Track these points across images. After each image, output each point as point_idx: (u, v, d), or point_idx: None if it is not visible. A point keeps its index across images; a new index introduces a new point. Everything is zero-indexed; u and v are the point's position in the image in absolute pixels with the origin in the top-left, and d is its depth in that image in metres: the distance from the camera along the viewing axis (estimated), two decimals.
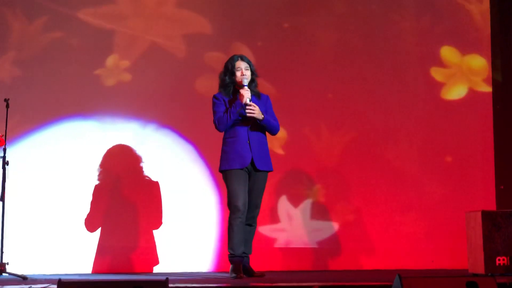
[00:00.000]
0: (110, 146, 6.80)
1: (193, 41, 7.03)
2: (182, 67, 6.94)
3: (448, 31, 7.23)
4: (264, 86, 6.22)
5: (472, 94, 7.21)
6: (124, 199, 6.74)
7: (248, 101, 5.21)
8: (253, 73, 5.41)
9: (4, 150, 5.76)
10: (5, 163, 5.74)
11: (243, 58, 5.41)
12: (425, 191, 7.02)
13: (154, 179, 6.78)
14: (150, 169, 6.83)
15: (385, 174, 7.03)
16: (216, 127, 5.38)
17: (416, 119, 7.14)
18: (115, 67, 6.92)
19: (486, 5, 7.20)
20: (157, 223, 6.70)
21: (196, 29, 7.06)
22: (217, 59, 6.73)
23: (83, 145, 6.76)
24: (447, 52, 7.19)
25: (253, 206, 5.39)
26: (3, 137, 5.63)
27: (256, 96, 5.41)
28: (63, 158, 6.72)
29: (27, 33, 6.82)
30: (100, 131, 6.80)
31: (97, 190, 6.72)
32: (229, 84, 5.35)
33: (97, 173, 6.75)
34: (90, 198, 6.70)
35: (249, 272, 5.41)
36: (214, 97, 5.40)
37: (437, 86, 7.25)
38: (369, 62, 7.13)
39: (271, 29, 7.10)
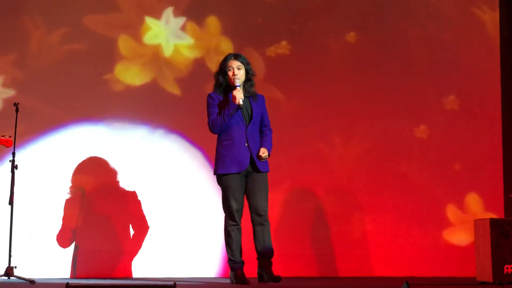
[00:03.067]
0: (119, 150, 6.78)
1: (202, 47, 7.04)
2: (191, 72, 6.93)
3: (457, 39, 7.22)
4: (274, 94, 6.34)
5: (481, 101, 7.19)
6: (130, 204, 6.75)
7: (241, 102, 5.12)
8: (248, 73, 5.31)
9: (13, 154, 5.77)
10: (14, 167, 5.74)
11: (236, 57, 5.32)
12: (433, 199, 7.00)
13: (162, 184, 6.76)
14: (158, 174, 6.79)
15: (394, 182, 7.02)
16: (210, 129, 5.30)
17: (425, 126, 7.13)
18: (123, 73, 6.93)
19: (497, 13, 7.21)
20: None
21: (205, 34, 7.06)
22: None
23: (92, 149, 6.76)
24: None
25: (258, 208, 5.29)
26: (11, 138, 5.63)
27: (252, 97, 5.33)
28: (72, 163, 6.71)
29: (44, 42, 6.86)
30: (109, 136, 6.80)
31: (102, 195, 6.74)
32: (222, 84, 5.29)
33: (104, 177, 6.76)
34: (96, 202, 6.72)
35: (269, 277, 5.28)
36: (209, 96, 5.33)
37: (446, 93, 7.25)
38: (380, 70, 7.11)
39: (281, 36, 7.08)
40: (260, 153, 5.23)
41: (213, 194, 6.62)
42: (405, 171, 7.01)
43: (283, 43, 7.02)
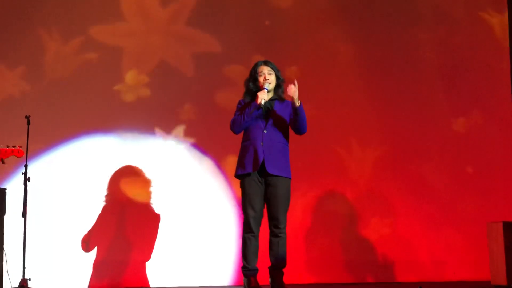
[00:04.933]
0: (130, 161, 6.74)
1: (211, 57, 7.00)
2: (201, 81, 6.89)
3: (467, 42, 7.24)
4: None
5: (492, 103, 7.21)
6: (141, 214, 6.73)
7: (263, 102, 5.04)
8: (278, 78, 5.24)
9: (25, 166, 5.74)
10: (27, 179, 5.71)
11: (266, 63, 5.24)
12: (446, 203, 7.02)
13: (174, 192, 6.71)
14: (170, 183, 6.75)
15: (411, 185, 6.98)
16: (231, 129, 5.21)
17: (438, 130, 7.14)
18: (134, 83, 6.88)
19: (504, 16, 7.26)
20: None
21: (214, 48, 7.06)
22: (237, 72, 6.75)
23: (103, 160, 6.70)
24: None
25: (275, 219, 5.13)
26: (22, 149, 5.60)
27: (280, 100, 5.22)
28: (84, 174, 6.65)
29: (53, 53, 6.82)
30: (120, 147, 6.75)
31: (114, 205, 6.67)
32: (252, 90, 5.21)
33: (117, 188, 6.70)
34: (106, 212, 6.67)
35: (278, 287, 5.22)
36: (238, 102, 5.28)
37: (457, 96, 7.25)
38: (390, 74, 7.10)
39: (289, 42, 7.05)
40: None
41: (226, 202, 6.69)
42: (421, 174, 6.98)
43: (292, 48, 7.03)
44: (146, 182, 6.73)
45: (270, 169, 5.05)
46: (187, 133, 6.85)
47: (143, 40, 6.91)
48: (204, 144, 6.82)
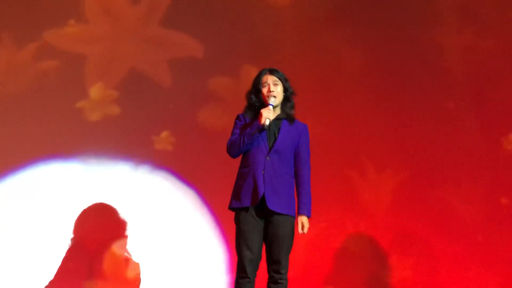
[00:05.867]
0: (96, 193, 6.42)
1: (193, 64, 6.71)
2: (182, 96, 6.60)
3: (498, 48, 6.85)
4: None
5: None
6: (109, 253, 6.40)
7: (267, 123, 4.66)
8: (286, 90, 4.86)
9: None
10: None
11: (272, 72, 4.88)
12: (477, 239, 6.60)
13: (151, 233, 6.40)
14: (144, 218, 6.43)
15: (432, 219, 6.62)
16: (228, 152, 4.85)
17: (466, 151, 6.73)
18: (101, 99, 6.60)
19: None
20: None
21: (196, 53, 6.75)
22: (224, 85, 6.53)
23: (63, 192, 6.40)
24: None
25: (275, 263, 4.78)
26: None
27: (289, 121, 4.86)
28: (39, 211, 6.35)
29: (11, 62, 6.59)
30: (84, 175, 6.47)
31: (76, 252, 6.31)
32: (254, 104, 4.86)
33: (78, 225, 6.35)
34: (70, 261, 6.30)
35: None
36: (237, 117, 4.92)
37: (489, 109, 6.80)
38: (408, 85, 6.77)
39: (288, 48, 6.76)
40: (299, 230, 4.82)
41: (213, 241, 6.43)
42: (449, 204, 6.65)
43: (290, 56, 6.71)
44: (117, 220, 6.44)
45: (271, 205, 4.72)
46: (164, 158, 6.55)
47: (110, 45, 6.65)
48: (184, 171, 6.51)
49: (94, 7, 6.63)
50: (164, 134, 6.51)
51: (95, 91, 6.56)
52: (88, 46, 6.59)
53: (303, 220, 4.79)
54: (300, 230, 4.78)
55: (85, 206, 6.35)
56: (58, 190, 6.37)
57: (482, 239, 6.57)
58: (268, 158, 4.76)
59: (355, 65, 6.78)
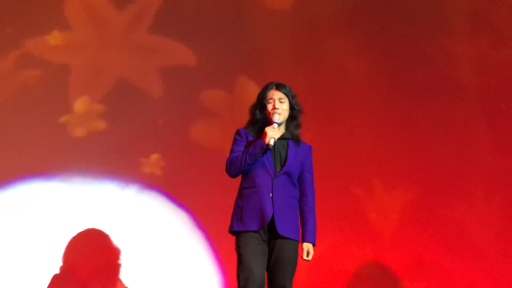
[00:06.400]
0: (80, 214, 6.23)
1: (183, 75, 6.61)
2: (172, 110, 6.52)
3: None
4: None
5: None
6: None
7: (272, 143, 4.57)
8: (293, 108, 4.77)
9: None
10: None
11: (279, 87, 4.79)
12: (493, 264, 6.48)
13: (137, 254, 6.20)
14: (133, 242, 6.26)
15: (445, 241, 6.52)
16: (227, 171, 4.74)
17: (480, 168, 6.62)
18: (86, 113, 6.49)
19: None
20: None
21: (188, 61, 6.65)
22: (217, 98, 6.43)
23: (45, 214, 6.22)
24: None
25: (279, 285, 4.68)
26: None
27: (294, 141, 4.79)
28: (20, 233, 6.18)
29: None
30: (67, 195, 6.31)
31: (65, 276, 6.14)
32: (259, 120, 4.76)
33: (65, 252, 6.14)
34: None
35: None
36: (237, 132, 4.82)
37: (507, 126, 6.78)
38: (416, 99, 6.69)
39: (287, 57, 6.70)
40: (304, 256, 4.76)
41: (206, 266, 6.27)
42: (463, 226, 6.55)
43: (289, 67, 6.66)
44: (103, 245, 6.27)
45: (282, 230, 4.64)
46: (154, 178, 6.44)
47: (95, 54, 6.55)
48: (175, 192, 6.39)
49: (78, 14, 6.59)
50: (154, 152, 6.39)
51: (79, 104, 6.48)
52: (72, 55, 6.51)
53: (309, 247, 4.73)
54: (305, 257, 4.73)
55: (70, 230, 6.20)
56: (40, 212, 6.22)
57: (497, 261, 6.52)
58: (275, 179, 4.67)
59: (360, 76, 6.78)
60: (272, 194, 4.64)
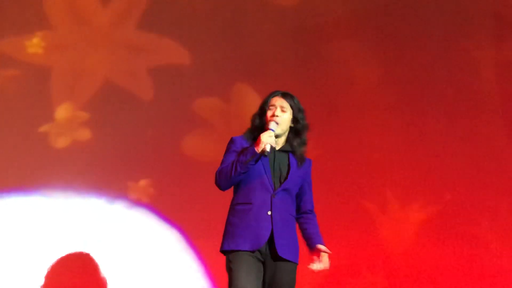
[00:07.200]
0: (62, 231, 6.05)
1: (177, 82, 6.41)
2: (163, 120, 6.34)
3: None
4: None
5: None
6: None
7: (268, 149, 4.31)
8: (297, 121, 4.53)
9: None
10: None
11: (285, 96, 4.56)
12: None
13: (126, 275, 6.04)
14: (120, 264, 6.08)
15: (465, 262, 6.30)
16: (216, 182, 4.50)
17: (499, 184, 6.38)
18: (68, 121, 6.30)
19: None
20: None
21: (182, 60, 6.44)
22: (212, 107, 6.30)
23: (26, 231, 6.06)
24: None
25: None
26: None
27: (297, 160, 4.58)
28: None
29: None
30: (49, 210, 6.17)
31: None
32: (257, 127, 4.54)
33: (46, 274, 5.93)
34: None
35: None
36: (230, 140, 4.59)
37: None
38: (434, 107, 6.48)
39: (290, 61, 6.52)
40: (318, 265, 4.46)
41: (198, 283, 6.15)
42: (485, 246, 6.31)
43: (292, 69, 6.51)
44: (89, 265, 6.07)
45: (282, 252, 4.42)
46: (143, 193, 6.26)
47: (79, 54, 6.35)
48: (166, 208, 6.20)
49: (59, 9, 6.39)
50: (143, 164, 6.25)
51: (61, 111, 6.30)
52: (53, 56, 6.32)
53: (324, 249, 4.51)
54: (324, 265, 4.45)
55: (51, 251, 5.98)
56: (18, 230, 6.05)
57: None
58: (274, 196, 4.44)
59: (370, 81, 6.64)
60: (271, 213, 4.41)
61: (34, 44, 6.33)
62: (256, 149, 4.35)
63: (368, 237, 6.37)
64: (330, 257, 5.87)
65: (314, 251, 4.53)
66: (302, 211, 4.63)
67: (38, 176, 6.13)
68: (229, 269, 4.40)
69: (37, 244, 6.03)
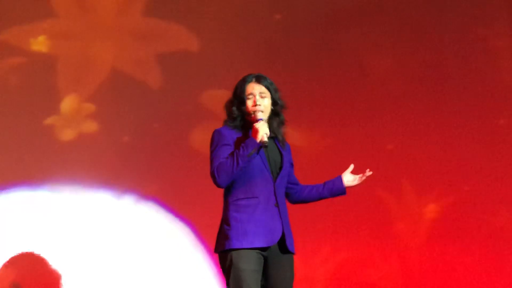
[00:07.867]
0: (69, 227, 5.98)
1: (186, 72, 6.27)
2: (172, 113, 6.23)
3: None
4: (295, 137, 5.43)
5: None
6: None
7: (265, 138, 4.20)
8: (276, 103, 4.39)
9: None
10: None
11: (259, 79, 4.41)
12: None
13: (133, 272, 5.97)
14: (128, 258, 6.01)
15: (483, 256, 6.23)
16: (215, 181, 4.28)
17: None
18: (75, 113, 6.19)
19: None
20: None
21: (190, 47, 6.35)
22: (221, 100, 5.70)
23: (31, 226, 5.98)
24: None
25: None
26: None
27: (280, 142, 4.43)
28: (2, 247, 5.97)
29: None
30: (55, 205, 6.08)
31: None
32: (236, 118, 4.41)
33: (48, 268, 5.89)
34: None
35: None
36: (217, 133, 4.43)
37: None
38: (449, 98, 6.41)
39: (301, 52, 6.42)
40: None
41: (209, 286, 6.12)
42: (503, 234, 6.26)
43: (303, 61, 6.42)
44: (92, 257, 5.99)
45: (290, 246, 4.35)
46: (152, 188, 6.17)
47: (85, 43, 6.22)
48: (176, 203, 6.11)
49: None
50: (152, 158, 6.13)
51: (67, 103, 6.20)
52: (59, 46, 6.20)
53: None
54: (358, 177, 4.51)
55: (57, 247, 5.89)
56: (24, 225, 5.97)
57: None
58: (275, 186, 4.31)
59: (384, 71, 6.57)
60: (277, 204, 4.28)
61: (39, 34, 6.24)
62: (255, 140, 4.24)
63: (382, 226, 6.33)
64: (342, 246, 6.09)
65: (340, 182, 4.50)
66: (292, 183, 4.56)
67: (43, 170, 6.08)
68: (236, 269, 4.25)
69: (43, 238, 5.99)
